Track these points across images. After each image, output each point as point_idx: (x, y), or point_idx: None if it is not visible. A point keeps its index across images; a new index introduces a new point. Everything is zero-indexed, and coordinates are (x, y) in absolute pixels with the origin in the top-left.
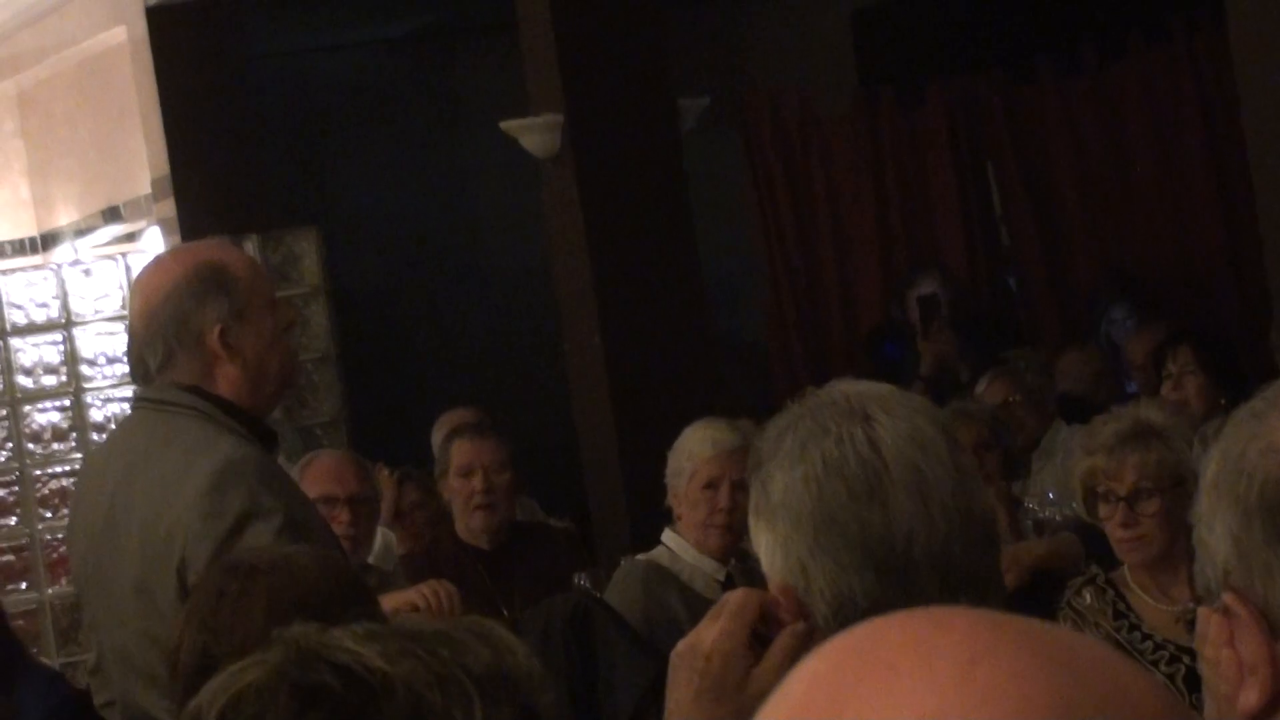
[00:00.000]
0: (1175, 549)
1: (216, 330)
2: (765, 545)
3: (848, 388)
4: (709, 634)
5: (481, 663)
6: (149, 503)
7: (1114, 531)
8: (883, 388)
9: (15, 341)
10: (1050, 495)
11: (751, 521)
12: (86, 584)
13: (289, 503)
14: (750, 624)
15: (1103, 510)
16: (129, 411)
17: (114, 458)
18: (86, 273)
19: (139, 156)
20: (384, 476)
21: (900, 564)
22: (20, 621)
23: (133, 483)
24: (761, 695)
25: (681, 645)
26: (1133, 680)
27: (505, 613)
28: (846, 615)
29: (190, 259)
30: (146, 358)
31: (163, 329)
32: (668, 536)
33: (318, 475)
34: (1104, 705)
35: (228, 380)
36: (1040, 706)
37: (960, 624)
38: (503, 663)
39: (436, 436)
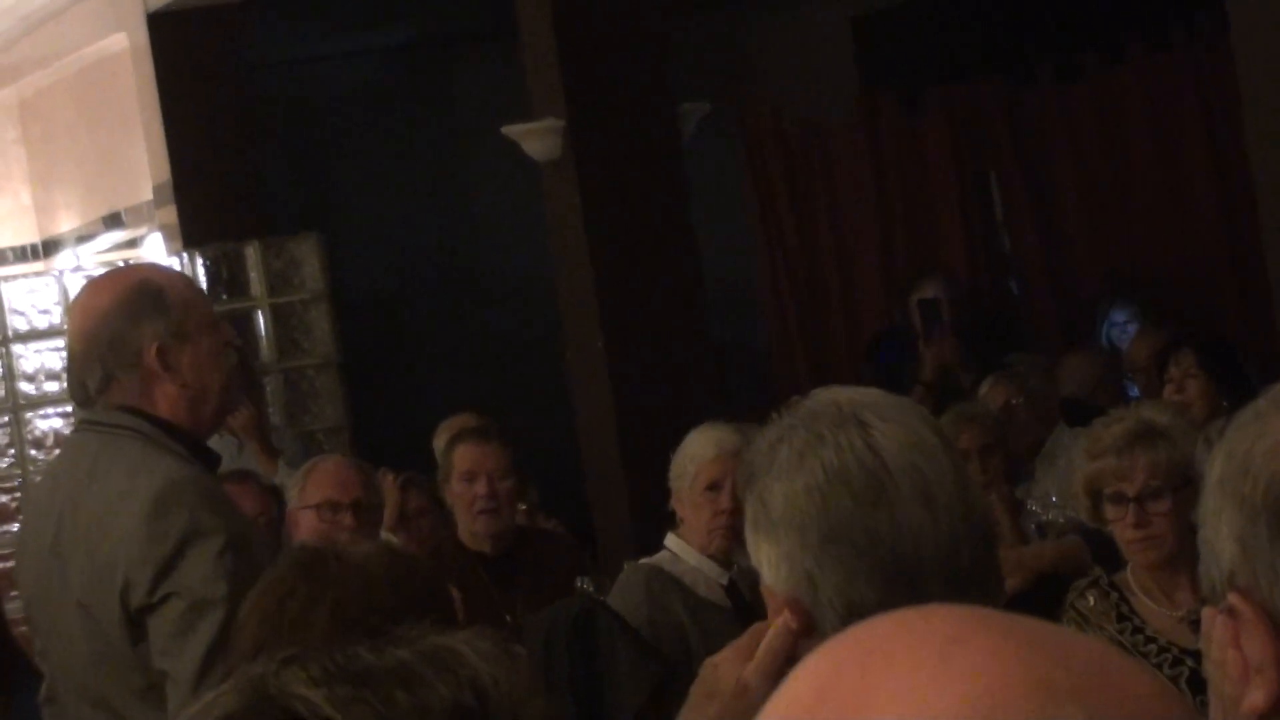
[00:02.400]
0: (1183, 550)
1: (153, 349)
2: (767, 559)
3: (836, 395)
4: (725, 650)
5: (441, 700)
6: (92, 527)
7: (1124, 533)
8: (871, 392)
9: (17, 348)
10: (1053, 498)
11: (750, 536)
12: (35, 610)
13: (230, 523)
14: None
15: (1112, 512)
16: (71, 434)
17: (58, 482)
18: (88, 279)
19: (140, 163)
20: (388, 482)
21: (909, 568)
22: (24, 629)
23: (76, 507)
24: (747, 691)
25: (706, 661)
26: (1119, 666)
27: (509, 618)
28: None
29: (125, 280)
30: (85, 379)
31: (100, 350)
32: (670, 540)
33: (321, 481)
34: (1085, 685)
35: (167, 400)
36: (1017, 683)
37: (945, 613)
38: (461, 696)
39: (439, 442)
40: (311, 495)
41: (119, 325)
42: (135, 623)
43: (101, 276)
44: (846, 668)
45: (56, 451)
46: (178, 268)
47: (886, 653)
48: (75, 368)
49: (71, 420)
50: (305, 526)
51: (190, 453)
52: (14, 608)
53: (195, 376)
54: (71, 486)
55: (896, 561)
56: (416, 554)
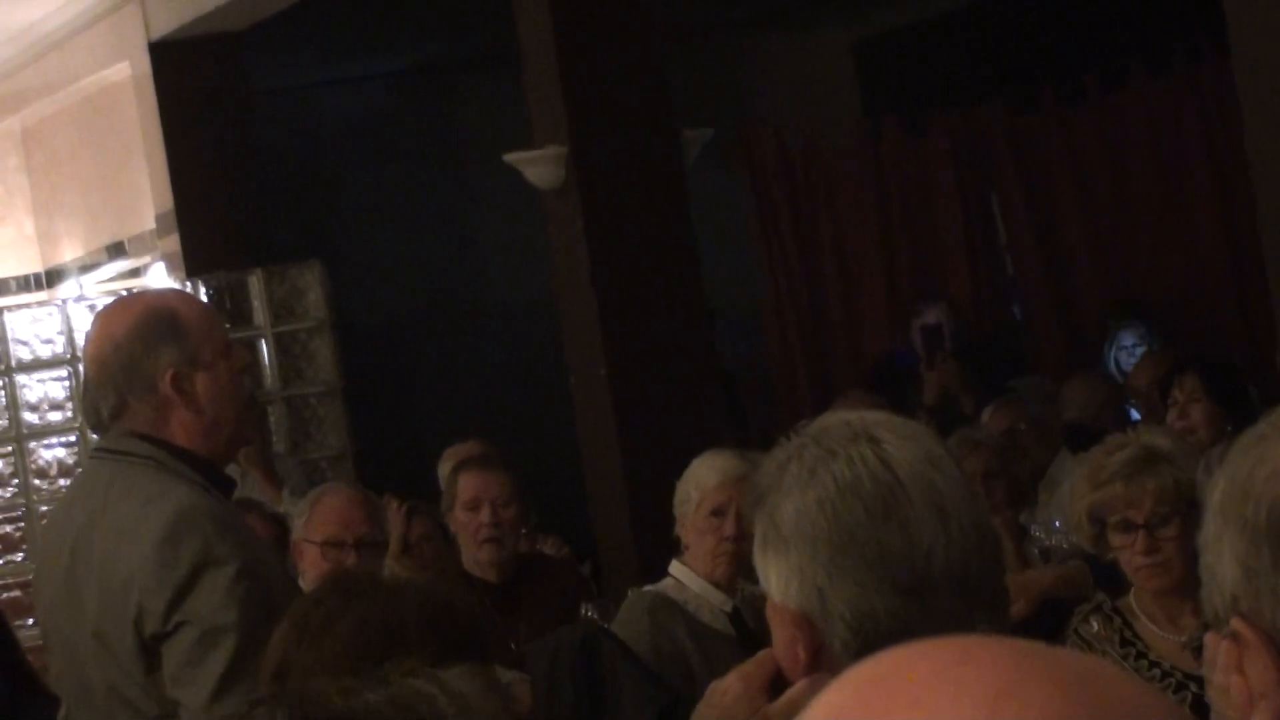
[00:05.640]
0: (1188, 575)
1: (168, 376)
2: (776, 575)
3: (845, 415)
4: (731, 675)
5: None
6: (106, 555)
7: (1133, 560)
8: (880, 413)
9: (21, 378)
10: (1056, 523)
11: (758, 556)
12: (51, 639)
13: (244, 550)
14: (771, 673)
15: (1118, 539)
16: (87, 462)
17: (73, 510)
18: (92, 308)
19: (143, 192)
20: (393, 509)
21: (920, 581)
22: (29, 657)
23: (91, 535)
24: None
25: (711, 685)
26: (1158, 711)
27: (513, 645)
28: (868, 636)
29: (141, 306)
30: (99, 405)
31: (114, 376)
32: (675, 567)
33: (326, 517)
34: None
35: (182, 426)
36: None
37: (985, 657)
38: None
39: (443, 469)
40: (315, 531)
41: (134, 351)
42: (149, 650)
43: (117, 302)
44: (890, 717)
45: (61, 481)
46: None
47: (929, 704)
48: (89, 393)
49: (74, 449)
50: (309, 560)
51: (205, 480)
52: (31, 634)
53: (210, 404)
54: (85, 515)
55: (908, 574)
56: (464, 592)
